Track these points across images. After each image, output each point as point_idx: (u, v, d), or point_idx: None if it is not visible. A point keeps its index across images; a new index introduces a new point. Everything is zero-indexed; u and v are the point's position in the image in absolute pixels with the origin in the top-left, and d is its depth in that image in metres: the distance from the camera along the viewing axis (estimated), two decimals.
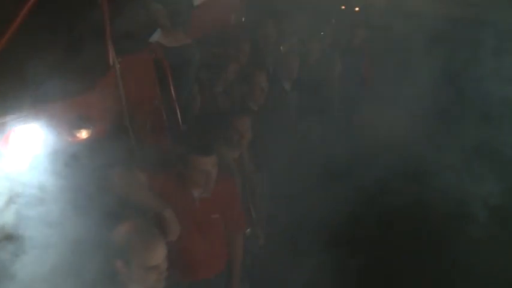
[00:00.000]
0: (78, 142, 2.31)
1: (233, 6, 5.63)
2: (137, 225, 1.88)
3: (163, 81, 2.80)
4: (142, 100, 2.80)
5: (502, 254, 3.70)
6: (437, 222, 4.02)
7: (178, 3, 2.98)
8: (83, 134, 2.27)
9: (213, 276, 2.67)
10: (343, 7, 6.32)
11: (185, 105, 3.05)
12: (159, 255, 1.84)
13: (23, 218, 1.90)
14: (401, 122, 4.85)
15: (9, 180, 1.97)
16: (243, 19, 5.94)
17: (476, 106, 4.31)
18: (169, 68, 2.78)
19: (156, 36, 2.73)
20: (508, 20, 4.61)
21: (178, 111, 2.90)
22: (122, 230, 1.88)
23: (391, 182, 3.94)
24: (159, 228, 2.33)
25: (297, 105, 4.51)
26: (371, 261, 3.55)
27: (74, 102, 2.34)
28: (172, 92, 2.84)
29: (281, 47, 4.77)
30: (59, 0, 2.38)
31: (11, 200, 1.91)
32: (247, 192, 3.14)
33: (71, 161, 2.15)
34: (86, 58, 2.40)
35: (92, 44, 2.42)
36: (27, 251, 1.85)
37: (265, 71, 3.78)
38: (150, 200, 2.36)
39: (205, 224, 2.55)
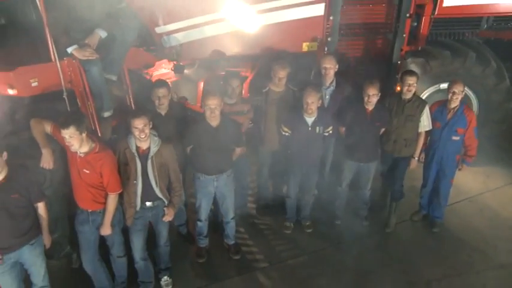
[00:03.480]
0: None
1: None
2: None
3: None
4: (77, 86, 4.35)
5: None
6: None
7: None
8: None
9: (91, 210, 3.93)
10: None
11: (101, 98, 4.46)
12: None
13: None
14: None
15: None
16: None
17: None
18: (83, 71, 4.28)
19: (70, 49, 4.12)
20: None
21: (90, 98, 4.39)
22: None
23: None
24: None
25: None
26: None
27: None
28: (86, 88, 4.35)
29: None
30: None
31: None
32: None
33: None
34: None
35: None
36: None
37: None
38: (40, 139, 3.85)
39: (82, 174, 3.80)
